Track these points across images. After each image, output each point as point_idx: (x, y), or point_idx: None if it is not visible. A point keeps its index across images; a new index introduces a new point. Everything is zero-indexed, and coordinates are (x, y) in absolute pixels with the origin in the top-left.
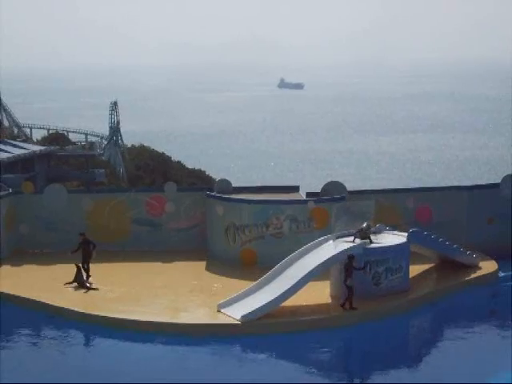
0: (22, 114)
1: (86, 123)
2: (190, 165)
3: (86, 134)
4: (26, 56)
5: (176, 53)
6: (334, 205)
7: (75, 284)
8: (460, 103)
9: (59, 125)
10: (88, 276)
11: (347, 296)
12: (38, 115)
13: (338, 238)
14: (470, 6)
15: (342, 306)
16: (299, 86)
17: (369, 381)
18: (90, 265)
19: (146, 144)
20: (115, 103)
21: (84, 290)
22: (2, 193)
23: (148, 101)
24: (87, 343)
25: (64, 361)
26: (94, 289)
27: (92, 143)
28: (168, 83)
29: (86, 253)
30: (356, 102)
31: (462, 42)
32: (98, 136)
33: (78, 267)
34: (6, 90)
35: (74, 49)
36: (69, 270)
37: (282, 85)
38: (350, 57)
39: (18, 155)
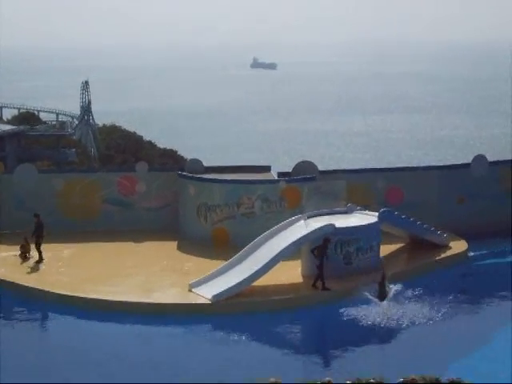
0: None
1: (62, 103)
2: (161, 144)
3: (58, 114)
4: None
5: (161, 33)
6: (305, 184)
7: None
8: (435, 84)
9: (32, 104)
10: (40, 259)
11: (317, 276)
12: (11, 94)
13: (309, 217)
14: None
15: (313, 285)
16: (272, 66)
17: (339, 359)
18: (56, 245)
19: (117, 124)
20: (86, 82)
21: (51, 269)
22: None
23: (126, 80)
24: (59, 324)
25: (37, 341)
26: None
27: (63, 123)
28: (149, 63)
29: (38, 234)
30: (330, 82)
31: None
32: (69, 116)
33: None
34: None
35: (66, 27)
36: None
37: (255, 65)
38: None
39: None
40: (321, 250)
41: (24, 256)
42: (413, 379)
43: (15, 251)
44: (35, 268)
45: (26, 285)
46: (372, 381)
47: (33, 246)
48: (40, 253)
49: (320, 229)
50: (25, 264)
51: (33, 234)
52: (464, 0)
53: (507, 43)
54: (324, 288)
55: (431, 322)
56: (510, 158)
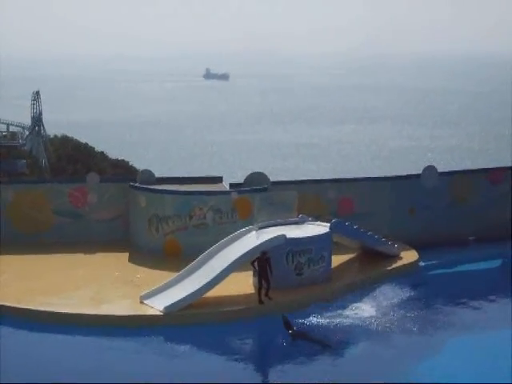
0: None
1: (12, 114)
2: (113, 155)
3: (8, 124)
4: None
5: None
6: (256, 195)
7: None
8: (399, 95)
9: None
10: None
11: (259, 289)
12: None
13: (260, 228)
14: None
15: (260, 302)
16: (225, 77)
17: (288, 372)
18: (6, 256)
19: (69, 134)
20: (37, 93)
21: None
22: None
23: (78, 90)
24: (6, 336)
25: None
26: None
27: (14, 133)
28: (102, 73)
29: None
30: (287, 93)
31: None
32: (20, 126)
33: None
34: None
35: (18, 36)
36: None
37: (208, 75)
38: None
39: None
40: (259, 263)
41: None
42: None
43: None
44: None
45: None
46: None
47: None
48: None
49: (271, 240)
50: None
51: None
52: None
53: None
54: (267, 296)
55: (381, 331)
56: (461, 169)
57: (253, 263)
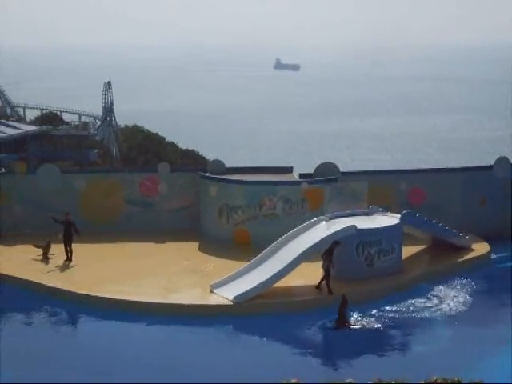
0: (17, 93)
1: (79, 103)
2: (183, 145)
3: (80, 115)
4: (21, 34)
5: (171, 34)
6: (327, 186)
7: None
8: (460, 85)
9: (53, 105)
10: (68, 259)
11: (322, 278)
12: (32, 95)
13: (330, 219)
14: None
15: (317, 287)
16: (295, 67)
17: (360, 361)
18: (78, 245)
19: (139, 124)
20: (109, 83)
21: (69, 268)
22: None
23: (143, 80)
24: (80, 324)
25: (58, 341)
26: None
27: (86, 123)
28: (163, 63)
29: (65, 234)
30: (351, 84)
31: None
32: (91, 116)
33: (48, 242)
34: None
35: (71, 28)
36: (61, 250)
37: (278, 66)
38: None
39: (11, 135)
40: (329, 254)
41: (45, 256)
42: (435, 381)
43: (37, 251)
44: (57, 268)
45: (49, 285)
46: (393, 382)
47: (57, 246)
48: (67, 252)
49: (341, 230)
50: (46, 264)
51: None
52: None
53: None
54: (329, 291)
55: (454, 323)
56: None
57: (324, 254)
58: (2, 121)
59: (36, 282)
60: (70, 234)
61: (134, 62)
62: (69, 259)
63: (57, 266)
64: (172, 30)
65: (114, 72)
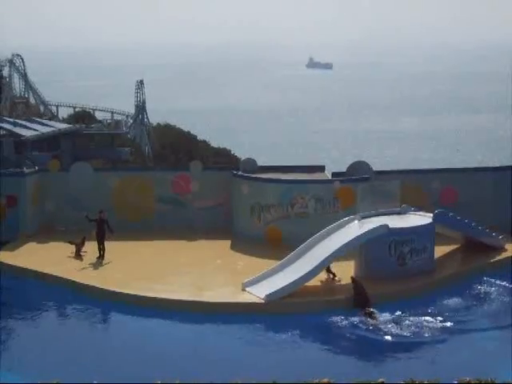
0: (50, 92)
1: (111, 101)
2: (215, 144)
3: (112, 113)
4: (50, 34)
5: (196, 34)
6: (359, 185)
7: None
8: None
9: (87, 103)
10: (101, 257)
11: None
12: (66, 93)
13: (363, 218)
14: None
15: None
16: (328, 66)
17: (392, 360)
18: (111, 242)
19: (171, 123)
20: (141, 82)
21: (100, 265)
22: (29, 170)
23: (174, 79)
24: (114, 320)
25: (90, 338)
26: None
27: (118, 121)
28: (193, 62)
29: (98, 231)
30: (385, 83)
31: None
32: (123, 114)
33: (83, 239)
34: (32, 68)
35: (100, 27)
36: (94, 248)
37: (311, 65)
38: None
39: (44, 133)
40: None
41: (78, 254)
42: (468, 382)
43: (70, 249)
44: (90, 265)
45: (81, 281)
46: (426, 382)
47: (90, 244)
48: (100, 250)
49: (374, 229)
50: (79, 261)
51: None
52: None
53: None
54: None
55: (486, 324)
56: None
57: None
58: (36, 119)
59: (68, 279)
60: (103, 232)
61: (170, 60)
62: (101, 257)
63: (89, 264)
64: (202, 27)
65: (147, 70)
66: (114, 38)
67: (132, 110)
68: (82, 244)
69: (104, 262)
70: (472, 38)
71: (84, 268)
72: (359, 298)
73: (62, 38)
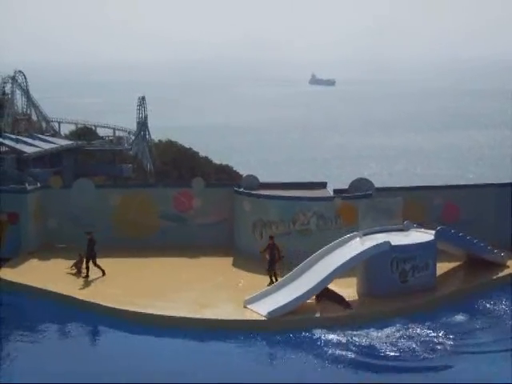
0: (50, 108)
1: (112, 118)
2: (217, 160)
3: (114, 129)
4: (46, 51)
5: (188, 50)
6: (361, 201)
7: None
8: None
9: (87, 119)
10: (87, 276)
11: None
12: (65, 110)
13: (365, 235)
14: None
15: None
16: (330, 83)
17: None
18: (111, 259)
19: (173, 139)
20: (143, 98)
21: (99, 282)
22: (31, 187)
23: (174, 96)
24: (114, 337)
25: (89, 355)
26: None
27: (120, 138)
28: (190, 79)
29: (89, 251)
30: (384, 99)
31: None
32: (125, 131)
33: (80, 257)
34: (32, 84)
35: (97, 45)
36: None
37: (314, 81)
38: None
39: (46, 149)
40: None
41: (78, 271)
42: None
43: (69, 265)
44: (91, 282)
45: (81, 298)
46: None
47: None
48: (87, 269)
49: (376, 246)
50: (79, 278)
51: (86, 251)
52: None
53: None
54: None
55: (490, 342)
56: None
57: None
58: (38, 135)
59: (68, 296)
60: (94, 252)
61: (170, 77)
62: (87, 276)
63: (91, 280)
64: (201, 45)
65: (149, 88)
66: (107, 54)
67: (132, 127)
68: (81, 262)
69: (105, 278)
70: (488, 51)
71: (85, 285)
72: (335, 299)
73: (51, 54)
